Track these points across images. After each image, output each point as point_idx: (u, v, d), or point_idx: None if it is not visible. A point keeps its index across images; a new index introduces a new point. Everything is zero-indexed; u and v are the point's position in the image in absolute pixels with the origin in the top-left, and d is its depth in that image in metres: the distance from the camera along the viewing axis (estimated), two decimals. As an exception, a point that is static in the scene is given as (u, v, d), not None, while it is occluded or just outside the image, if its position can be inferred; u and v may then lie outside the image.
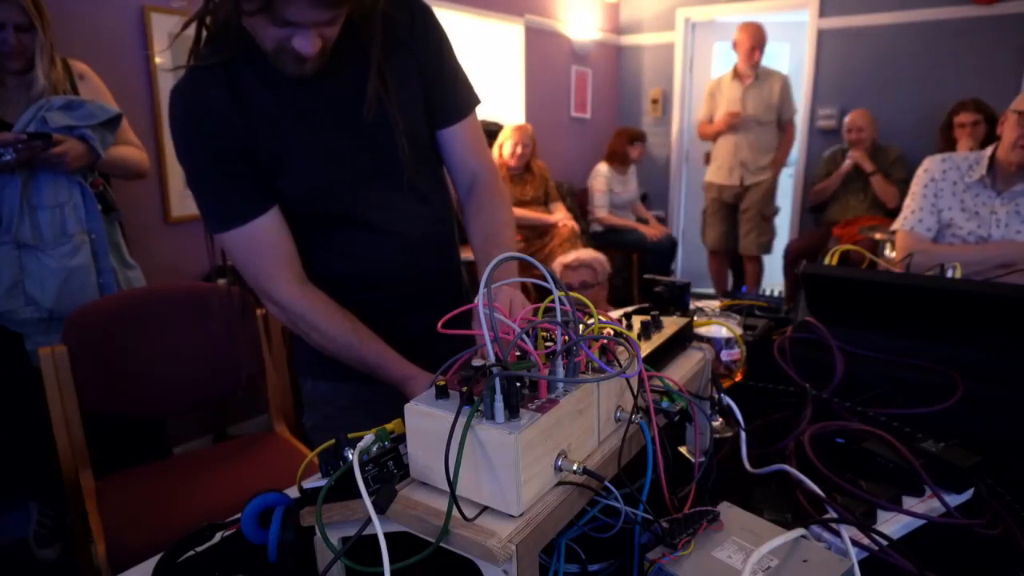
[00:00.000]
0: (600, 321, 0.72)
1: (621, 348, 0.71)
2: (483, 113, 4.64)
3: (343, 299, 1.09)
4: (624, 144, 4.70)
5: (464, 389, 0.58)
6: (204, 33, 1.00)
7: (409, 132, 1.07)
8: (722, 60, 5.44)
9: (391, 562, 0.54)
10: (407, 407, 0.61)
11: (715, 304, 1.36)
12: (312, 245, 1.10)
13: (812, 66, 4.74)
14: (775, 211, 4.53)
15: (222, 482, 1.74)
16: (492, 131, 3.96)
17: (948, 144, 3.81)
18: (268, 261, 1.05)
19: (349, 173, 1.06)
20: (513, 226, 1.16)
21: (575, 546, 0.70)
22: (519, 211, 3.88)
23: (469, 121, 1.17)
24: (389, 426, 0.69)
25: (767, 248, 4.52)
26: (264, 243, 1.04)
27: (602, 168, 4.65)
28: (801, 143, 4.84)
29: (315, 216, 1.08)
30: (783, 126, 4.38)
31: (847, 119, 4.17)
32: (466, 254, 1.21)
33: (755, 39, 4.18)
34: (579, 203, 4.76)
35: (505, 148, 3.85)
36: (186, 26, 1.00)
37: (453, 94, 1.15)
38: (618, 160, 4.70)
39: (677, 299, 1.20)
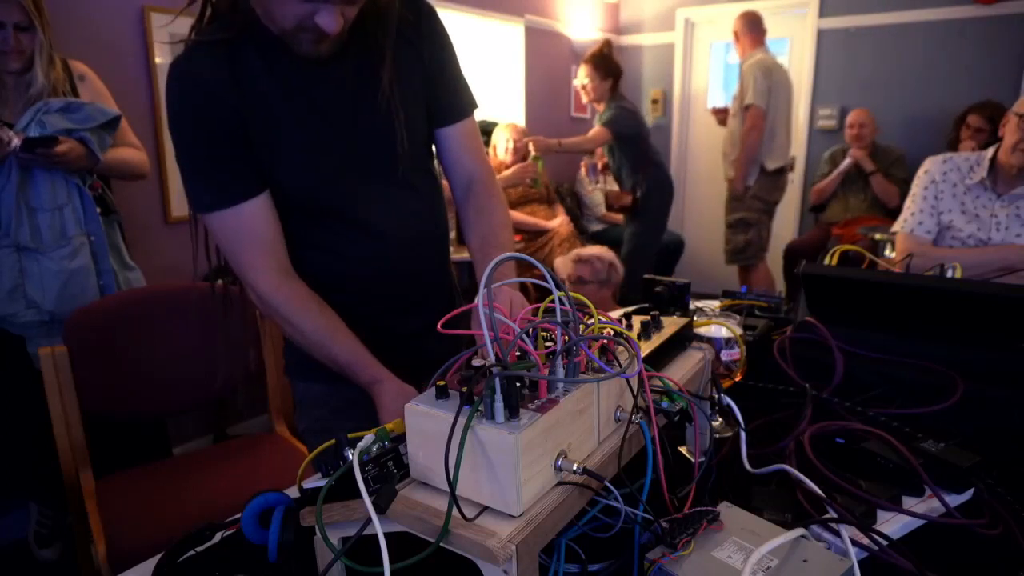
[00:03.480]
0: (600, 321, 0.72)
1: (621, 348, 0.71)
2: (482, 113, 4.64)
3: (334, 298, 1.09)
4: None
5: (464, 389, 0.58)
6: (208, 11, 0.99)
7: (410, 126, 1.08)
8: (722, 60, 5.44)
9: (391, 562, 0.54)
10: (407, 407, 0.61)
11: (715, 304, 1.36)
12: (304, 242, 1.09)
13: (812, 66, 4.74)
14: (732, 221, 3.89)
15: (222, 482, 1.74)
16: (488, 130, 3.96)
17: (956, 135, 3.82)
18: (250, 248, 1.03)
19: (344, 162, 1.06)
20: (510, 227, 1.17)
21: (575, 546, 0.70)
22: (518, 215, 3.89)
23: (468, 122, 1.18)
24: (389, 426, 0.69)
25: (730, 258, 3.97)
26: (248, 229, 1.02)
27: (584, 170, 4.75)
28: (801, 143, 4.83)
29: (307, 207, 1.07)
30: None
31: (849, 117, 4.16)
32: (460, 254, 1.22)
33: (736, 25, 3.83)
34: (579, 204, 4.78)
35: (500, 147, 3.85)
36: (192, 1, 0.99)
37: (455, 95, 1.16)
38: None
39: (677, 299, 1.20)
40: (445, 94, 1.14)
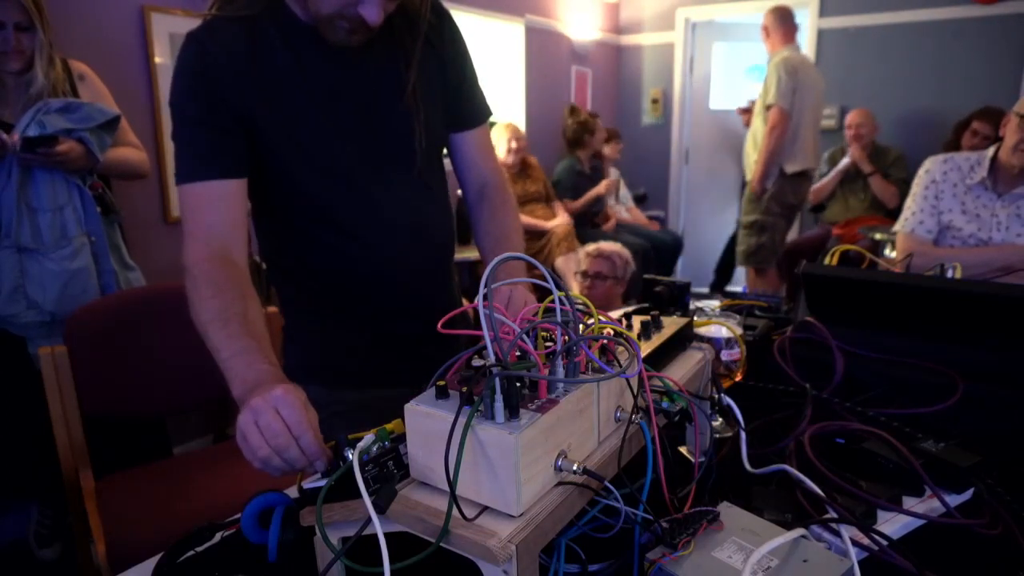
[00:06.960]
0: (600, 321, 0.72)
1: (621, 348, 0.71)
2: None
3: (338, 300, 1.08)
4: None
5: (464, 389, 0.58)
6: None
7: (428, 127, 1.08)
8: (722, 60, 5.44)
9: (391, 562, 0.54)
10: (407, 407, 0.61)
11: (715, 304, 1.36)
12: (311, 240, 1.08)
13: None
14: (747, 223, 3.85)
15: (222, 482, 1.74)
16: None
17: (955, 140, 3.81)
18: (201, 221, 1.00)
19: (360, 153, 1.05)
20: (521, 231, 1.19)
21: (575, 546, 0.70)
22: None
23: (483, 128, 1.21)
24: (389, 426, 0.69)
25: (742, 259, 3.97)
26: (209, 204, 1.00)
27: None
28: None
29: (319, 196, 1.05)
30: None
31: (848, 117, 4.16)
32: (460, 254, 1.22)
33: (766, 20, 3.74)
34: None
35: (500, 148, 3.86)
36: None
37: (472, 101, 1.18)
38: None
39: (677, 299, 1.20)
40: (464, 100, 1.16)
